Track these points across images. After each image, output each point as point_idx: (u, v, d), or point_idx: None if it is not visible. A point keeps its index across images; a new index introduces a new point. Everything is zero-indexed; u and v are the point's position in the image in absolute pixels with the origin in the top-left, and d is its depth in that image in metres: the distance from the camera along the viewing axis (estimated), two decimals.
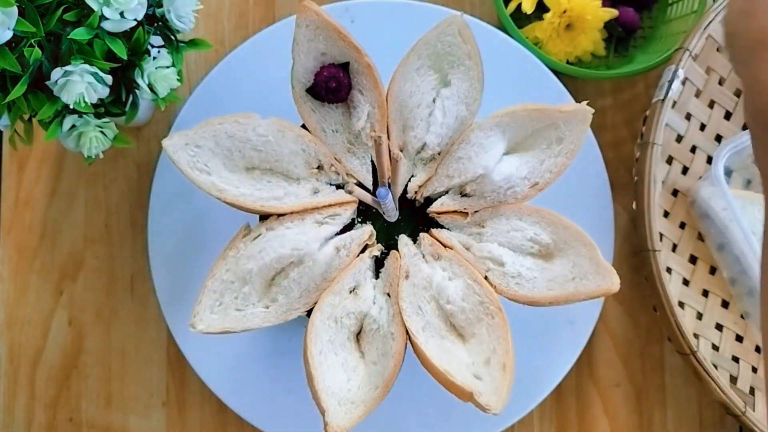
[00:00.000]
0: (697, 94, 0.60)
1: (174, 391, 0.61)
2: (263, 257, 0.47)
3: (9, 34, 0.41)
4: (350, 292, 0.49)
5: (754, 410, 0.56)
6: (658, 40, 0.64)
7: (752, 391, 0.58)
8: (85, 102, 0.45)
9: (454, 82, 0.51)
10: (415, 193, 0.52)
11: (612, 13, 0.61)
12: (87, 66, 0.44)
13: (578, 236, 0.49)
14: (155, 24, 0.49)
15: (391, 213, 0.51)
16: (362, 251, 0.51)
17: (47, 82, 0.44)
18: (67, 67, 0.43)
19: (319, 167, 0.51)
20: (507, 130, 0.51)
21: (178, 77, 0.49)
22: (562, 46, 0.62)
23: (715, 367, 0.55)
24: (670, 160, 0.61)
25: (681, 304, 0.58)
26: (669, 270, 0.58)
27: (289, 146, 0.49)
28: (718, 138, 0.62)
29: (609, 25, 0.63)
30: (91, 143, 0.48)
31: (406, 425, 0.58)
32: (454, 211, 0.52)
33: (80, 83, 0.44)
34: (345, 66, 0.50)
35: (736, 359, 0.59)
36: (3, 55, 0.42)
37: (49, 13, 0.43)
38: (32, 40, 0.43)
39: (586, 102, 0.50)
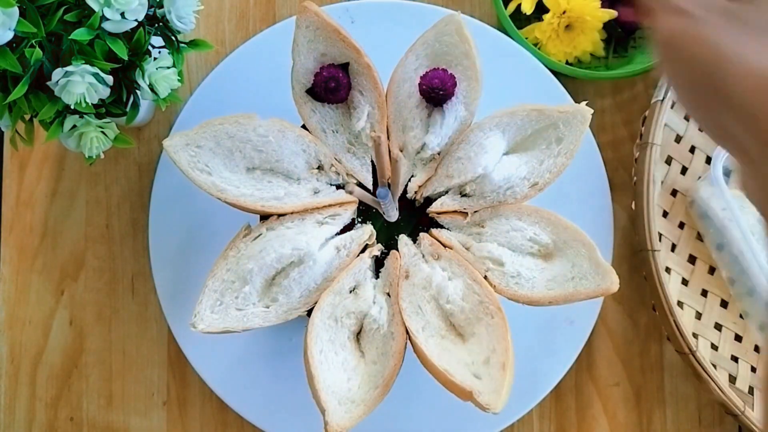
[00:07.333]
0: None
1: (175, 391, 0.61)
2: (264, 257, 0.47)
3: (10, 35, 0.41)
4: (350, 291, 0.49)
5: (752, 410, 0.56)
6: None
7: (751, 390, 0.58)
8: (86, 102, 0.45)
9: None
10: (415, 193, 0.52)
11: (611, 13, 0.61)
12: (88, 66, 0.44)
13: (577, 236, 0.49)
14: (156, 25, 0.49)
15: (391, 213, 0.51)
16: (362, 251, 0.51)
17: (48, 83, 0.44)
18: (68, 68, 0.43)
19: (320, 167, 0.51)
20: (506, 130, 0.51)
21: (179, 78, 0.49)
22: (562, 46, 0.62)
23: (714, 366, 0.56)
24: (669, 161, 0.61)
25: (680, 304, 0.58)
26: (668, 270, 0.59)
27: (290, 146, 0.49)
28: None
29: (608, 26, 0.63)
30: (92, 143, 0.48)
31: (406, 424, 0.58)
32: (454, 211, 0.52)
33: (81, 84, 0.44)
34: (345, 66, 0.50)
35: (735, 359, 0.59)
36: (4, 55, 0.42)
37: (50, 14, 0.43)
38: (33, 41, 0.43)
39: (585, 102, 0.50)
